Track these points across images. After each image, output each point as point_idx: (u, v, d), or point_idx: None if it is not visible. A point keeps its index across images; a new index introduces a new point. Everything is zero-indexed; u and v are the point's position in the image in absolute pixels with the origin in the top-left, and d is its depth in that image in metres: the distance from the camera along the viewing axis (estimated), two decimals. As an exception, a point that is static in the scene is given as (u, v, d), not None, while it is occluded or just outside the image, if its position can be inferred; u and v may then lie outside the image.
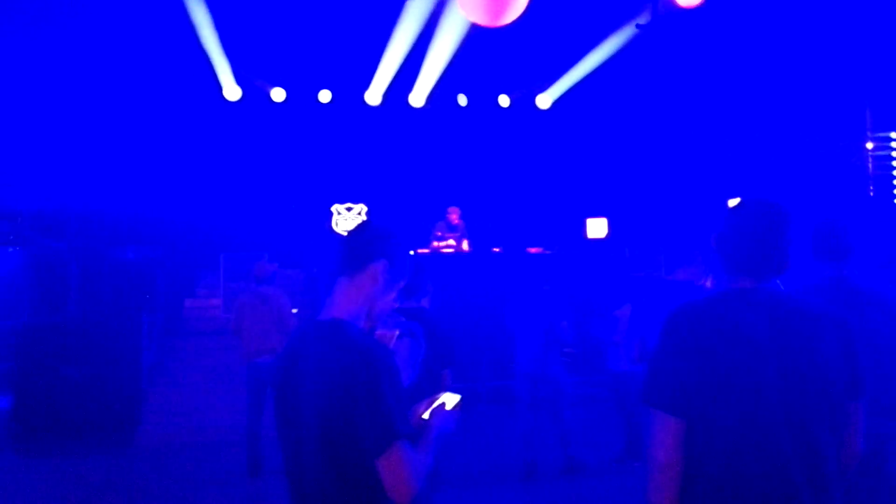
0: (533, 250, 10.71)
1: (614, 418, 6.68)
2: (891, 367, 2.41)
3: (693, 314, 1.80)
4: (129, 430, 7.73)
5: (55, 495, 5.99)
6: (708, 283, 3.60)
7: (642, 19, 9.33)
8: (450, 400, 2.01)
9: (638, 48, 10.30)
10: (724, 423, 1.69)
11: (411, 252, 9.61)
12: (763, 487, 1.66)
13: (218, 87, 11.28)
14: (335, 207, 11.90)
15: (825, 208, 8.12)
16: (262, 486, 5.98)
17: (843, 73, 9.72)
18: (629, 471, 6.10)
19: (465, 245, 10.39)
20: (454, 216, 10.43)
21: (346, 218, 11.89)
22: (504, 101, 12.35)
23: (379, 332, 2.03)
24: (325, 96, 11.75)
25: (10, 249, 10.13)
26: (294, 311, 6.76)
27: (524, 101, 12.39)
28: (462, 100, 12.17)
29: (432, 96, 11.94)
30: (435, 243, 10.31)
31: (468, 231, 10.57)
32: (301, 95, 11.77)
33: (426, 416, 1.95)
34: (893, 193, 10.11)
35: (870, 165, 10.13)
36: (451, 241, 10.29)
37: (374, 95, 11.70)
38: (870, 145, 10.19)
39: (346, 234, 2.00)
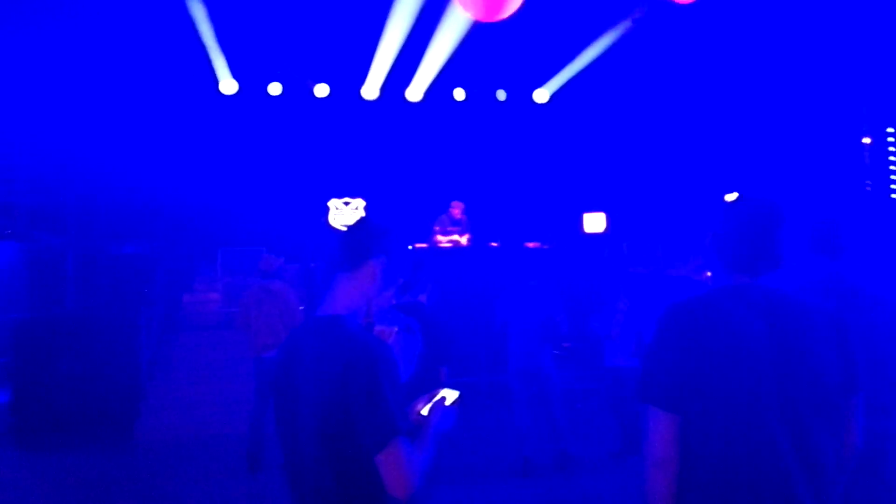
0: (530, 245, 10.72)
1: (611, 413, 6.71)
2: (888, 364, 2.42)
3: (689, 310, 1.80)
4: (127, 425, 7.73)
5: (53, 490, 6.00)
6: (704, 279, 3.62)
7: (637, 14, 9.31)
8: (448, 396, 2.02)
9: (635, 43, 10.28)
10: (720, 419, 1.69)
11: (409, 248, 9.62)
12: (759, 483, 1.66)
13: (214, 81, 11.25)
14: (332, 202, 11.90)
15: (822, 204, 8.14)
16: (261, 481, 5.99)
17: (840, 68, 9.72)
18: (626, 465, 6.13)
19: (463, 240, 10.40)
20: (457, 211, 10.43)
21: (344, 213, 11.89)
22: (501, 95, 12.33)
23: (377, 328, 2.04)
24: (322, 90, 11.72)
25: (8, 244, 10.12)
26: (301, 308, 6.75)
27: (521, 95, 12.37)
28: (459, 94, 12.15)
29: (429, 91, 11.91)
30: (438, 237, 10.31)
31: (471, 226, 10.57)
32: (298, 90, 11.74)
33: (424, 412, 1.96)
34: (890, 188, 10.13)
35: (867, 160, 10.14)
36: (456, 237, 10.30)
37: (370, 90, 11.67)
38: (867, 140, 10.20)
39: (344, 229, 2.01)
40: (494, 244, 10.75)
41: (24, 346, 8.25)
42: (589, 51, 10.87)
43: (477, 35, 9.92)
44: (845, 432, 1.79)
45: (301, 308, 6.57)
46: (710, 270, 1.99)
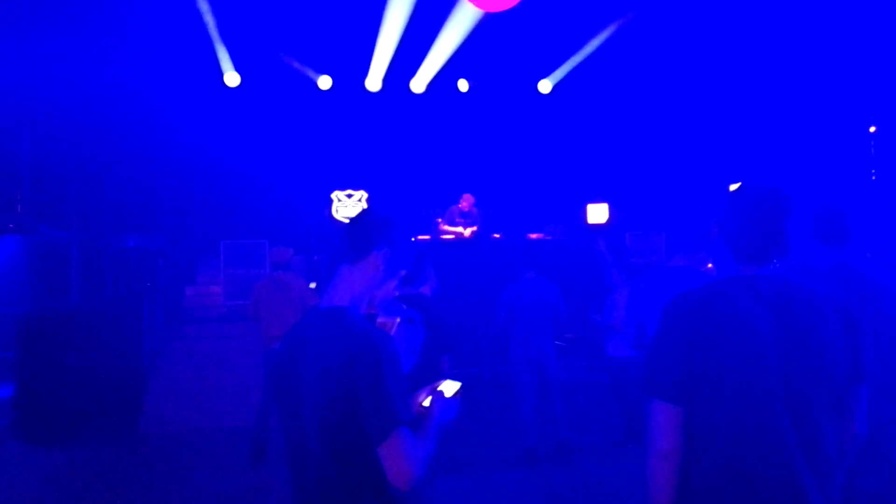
0: (533, 236, 10.70)
1: (614, 403, 6.71)
2: (894, 351, 2.40)
3: (693, 301, 1.78)
4: (130, 418, 7.75)
5: (58, 483, 6.03)
6: (707, 269, 3.59)
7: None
8: (450, 387, 2.01)
9: (641, 32, 10.23)
10: (726, 410, 1.68)
11: (412, 239, 9.59)
12: (764, 473, 1.65)
13: (219, 73, 11.22)
14: (335, 194, 11.89)
15: (828, 192, 8.08)
16: (264, 472, 6.01)
17: (846, 56, 9.66)
18: (628, 455, 6.13)
19: (467, 232, 10.38)
20: (465, 203, 10.41)
21: (347, 205, 11.87)
22: (505, 86, 12.28)
23: (380, 319, 2.03)
24: (325, 82, 11.69)
25: (11, 237, 10.13)
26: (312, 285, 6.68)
27: (525, 86, 12.32)
28: (463, 85, 12.10)
29: (433, 82, 11.88)
30: (445, 226, 10.29)
31: (481, 219, 10.55)
32: (301, 82, 11.71)
33: (426, 403, 1.95)
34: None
35: (872, 149, 10.08)
36: (460, 228, 10.28)
37: (374, 81, 11.64)
38: (872, 129, 10.14)
39: (348, 221, 2.00)
40: (497, 235, 10.74)
41: (28, 339, 8.27)
42: (593, 41, 10.82)
43: (481, 25, 9.89)
44: (849, 421, 1.78)
45: (314, 299, 6.56)
46: (714, 260, 1.96)
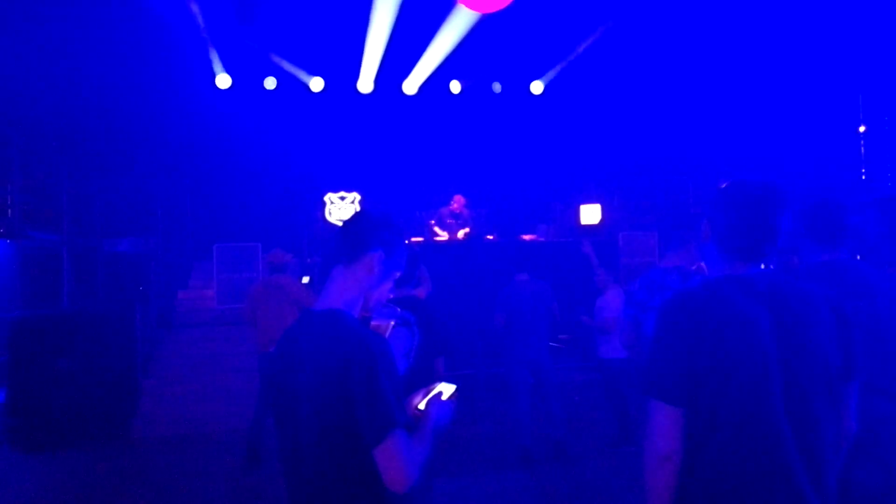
0: (526, 237, 10.72)
1: (607, 404, 6.72)
2: (889, 349, 2.42)
3: (691, 301, 1.78)
4: (123, 422, 7.72)
5: (50, 488, 5.99)
6: (697, 269, 3.60)
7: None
8: (446, 390, 2.01)
9: (631, 33, 10.26)
10: (725, 410, 1.68)
11: (406, 241, 9.58)
12: (763, 474, 1.66)
13: (210, 75, 11.19)
14: (328, 196, 11.87)
15: (818, 192, 8.15)
16: (258, 477, 5.99)
17: (836, 56, 9.72)
18: (623, 456, 6.14)
19: (459, 234, 10.38)
20: (457, 205, 10.40)
21: (340, 207, 11.86)
22: (497, 87, 12.30)
23: (375, 321, 2.03)
24: (316, 84, 11.67)
25: (2, 242, 10.06)
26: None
27: (517, 87, 12.35)
28: (455, 87, 12.11)
29: (425, 84, 11.88)
30: (436, 229, 10.29)
31: (472, 220, 10.55)
32: (293, 84, 11.69)
33: (422, 405, 1.95)
34: (886, 176, 10.14)
35: (862, 148, 10.15)
36: (445, 234, 10.26)
37: (365, 83, 11.64)
38: (862, 128, 10.20)
39: (341, 223, 1.99)
40: (490, 237, 10.75)
41: (20, 344, 8.21)
42: (585, 41, 10.84)
43: (473, 27, 9.89)
44: (842, 418, 1.79)
45: (311, 301, 6.54)
46: (707, 259, 1.96)
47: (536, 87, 12.33)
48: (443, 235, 10.30)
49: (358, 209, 11.45)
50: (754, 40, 10.02)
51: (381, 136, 12.20)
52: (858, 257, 2.64)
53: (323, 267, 9.35)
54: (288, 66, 11.41)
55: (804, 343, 1.71)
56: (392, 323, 2.08)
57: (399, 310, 3.13)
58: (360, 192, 11.93)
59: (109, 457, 6.93)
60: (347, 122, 12.07)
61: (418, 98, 12.06)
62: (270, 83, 11.53)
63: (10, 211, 10.22)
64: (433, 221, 10.44)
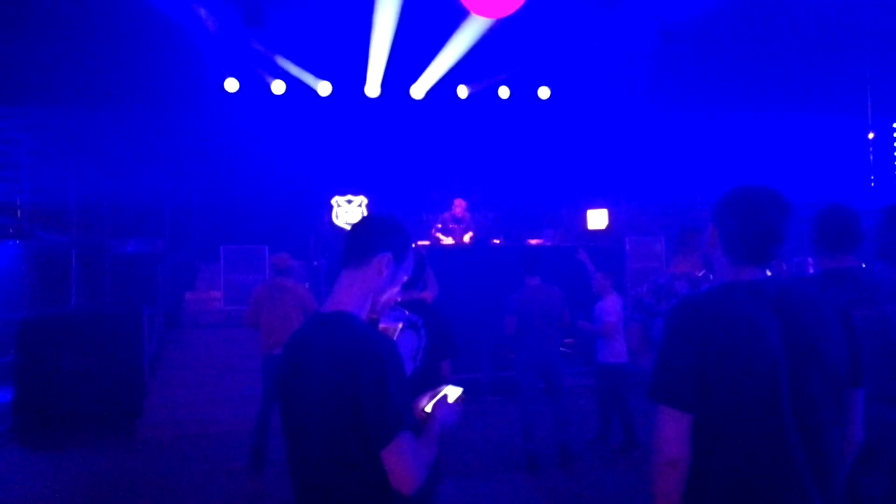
0: (533, 242, 10.72)
1: (601, 409, 6.70)
2: None
3: (699, 306, 1.78)
4: (130, 423, 7.75)
5: (57, 487, 6.01)
6: (704, 275, 3.60)
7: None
8: (452, 393, 2.01)
9: (638, 37, 10.26)
10: (733, 416, 1.67)
11: (413, 245, 9.59)
12: (770, 479, 1.65)
13: (219, 78, 11.25)
14: (335, 199, 11.90)
15: (827, 199, 8.12)
16: (264, 478, 5.99)
17: (845, 63, 9.70)
18: (629, 461, 6.13)
19: (466, 238, 10.39)
20: (458, 209, 10.42)
21: (347, 210, 11.89)
22: (504, 92, 12.32)
23: (383, 324, 2.03)
24: (324, 88, 11.72)
25: (11, 242, 10.13)
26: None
27: (525, 91, 12.36)
28: (462, 91, 12.13)
29: (432, 88, 11.91)
30: (439, 234, 10.31)
31: (474, 224, 10.56)
32: (301, 88, 11.74)
33: (429, 408, 1.95)
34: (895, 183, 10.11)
35: (871, 155, 10.12)
36: (450, 239, 10.27)
37: (372, 87, 11.67)
38: (871, 135, 10.17)
39: (350, 226, 2.00)
40: (497, 241, 10.75)
41: (28, 344, 8.27)
42: (592, 46, 10.84)
43: (481, 32, 9.92)
44: (849, 425, 1.78)
45: (315, 304, 6.55)
46: (713, 265, 1.96)
47: (544, 92, 12.34)
48: (447, 240, 10.30)
49: (365, 212, 11.49)
50: (763, 45, 10.01)
51: (388, 141, 12.23)
52: (864, 265, 2.64)
53: (330, 270, 9.37)
54: (296, 71, 11.45)
55: (812, 349, 1.70)
56: (400, 325, 2.09)
57: (407, 312, 3.13)
58: (367, 196, 11.96)
59: (116, 456, 6.96)
60: (355, 126, 12.11)
61: (425, 102, 12.08)
62: (278, 87, 11.57)
63: (18, 212, 10.30)
64: (439, 225, 10.44)
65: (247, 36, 10.48)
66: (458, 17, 9.71)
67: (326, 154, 12.07)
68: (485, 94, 12.29)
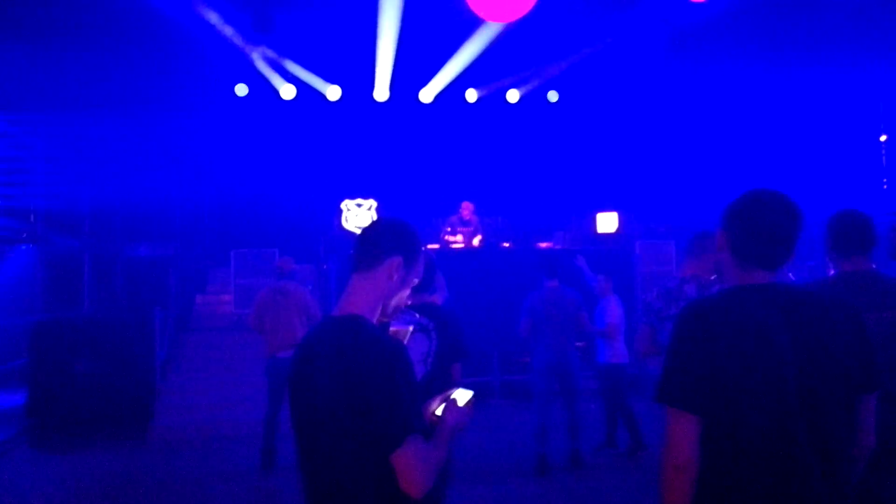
0: (542, 245, 10.70)
1: (604, 409, 6.68)
2: None
3: (708, 310, 1.78)
4: (141, 425, 7.79)
5: (69, 489, 6.06)
6: (715, 279, 3.59)
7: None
8: (462, 396, 2.01)
9: (648, 40, 10.24)
10: (742, 419, 1.67)
11: (423, 248, 9.59)
12: (779, 484, 1.65)
13: (228, 83, 11.32)
14: (345, 203, 11.93)
15: (840, 202, 8.07)
16: (275, 481, 6.02)
17: (856, 65, 9.64)
18: (638, 465, 6.11)
19: (475, 241, 10.40)
20: (466, 211, 10.44)
21: (357, 214, 11.91)
22: (513, 95, 12.32)
23: (393, 327, 2.04)
24: (334, 93, 11.76)
25: (25, 247, 10.23)
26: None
27: (533, 95, 12.35)
28: (471, 95, 12.15)
29: (441, 92, 11.93)
30: (446, 237, 10.33)
31: (482, 226, 10.57)
32: (310, 92, 11.79)
33: (439, 412, 1.95)
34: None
35: (883, 158, 10.04)
36: (459, 238, 10.29)
37: (381, 91, 11.71)
38: (883, 137, 10.10)
39: (360, 230, 2.01)
40: (506, 244, 10.74)
41: (41, 347, 8.34)
42: (601, 50, 10.82)
43: (490, 36, 9.93)
44: (860, 430, 1.77)
45: (318, 307, 6.58)
46: (723, 269, 1.96)
47: (553, 96, 12.34)
48: (456, 243, 10.31)
49: (374, 216, 11.51)
50: (776, 49, 9.96)
51: (397, 144, 12.25)
52: (874, 266, 2.62)
53: (340, 273, 9.40)
54: (305, 75, 11.50)
55: (822, 353, 1.69)
56: (410, 329, 2.09)
57: (417, 316, 3.13)
58: (376, 200, 11.99)
59: (127, 458, 7.00)
60: (364, 130, 12.14)
61: (434, 106, 12.10)
62: (288, 92, 11.62)
63: (32, 216, 10.40)
64: (448, 228, 10.46)
65: (256, 41, 10.53)
66: (466, 21, 9.72)
67: (336, 158, 12.11)
68: (493, 98, 12.30)
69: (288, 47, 10.86)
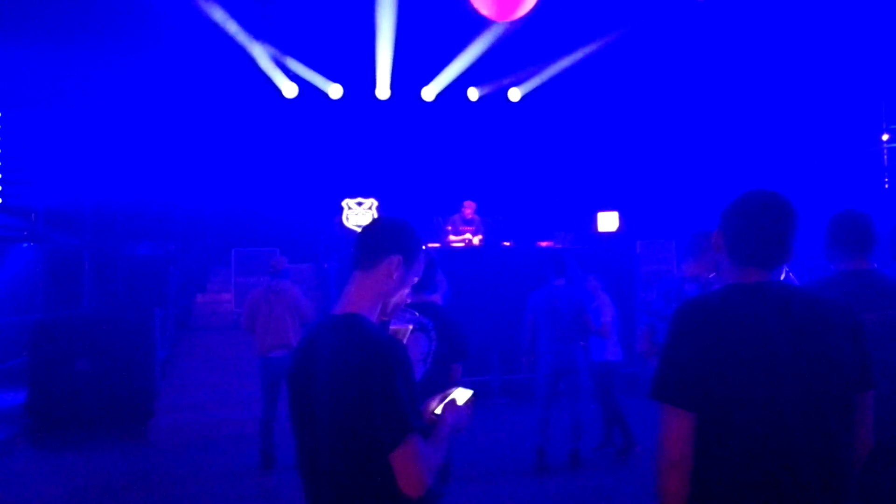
0: (543, 244, 10.70)
1: (598, 407, 6.68)
2: None
3: (702, 308, 1.79)
4: (141, 424, 7.79)
5: (69, 488, 6.06)
6: (715, 278, 3.59)
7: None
8: (462, 395, 2.01)
9: (649, 38, 10.24)
10: (737, 417, 1.67)
11: (423, 247, 9.60)
12: (774, 482, 1.65)
13: (229, 82, 11.32)
14: (346, 202, 11.93)
15: (841, 201, 8.07)
16: (274, 479, 6.02)
17: (858, 64, 9.63)
18: (635, 463, 6.10)
19: (475, 240, 10.40)
20: (469, 210, 10.44)
21: (357, 212, 11.91)
22: (514, 94, 12.32)
23: (393, 326, 2.04)
24: (335, 91, 11.76)
25: (25, 245, 10.24)
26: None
27: (534, 94, 12.35)
28: (472, 94, 12.14)
29: (443, 91, 11.93)
30: (450, 237, 10.33)
31: (483, 226, 10.57)
32: (312, 90, 11.79)
33: (438, 411, 1.95)
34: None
35: (885, 157, 10.03)
36: (468, 236, 10.30)
37: (382, 90, 11.71)
38: (885, 137, 10.09)
39: (360, 228, 2.01)
40: (507, 244, 10.74)
41: (41, 346, 8.34)
42: (602, 47, 10.82)
43: (491, 35, 9.93)
44: (858, 429, 1.77)
45: (310, 306, 6.57)
46: (721, 268, 1.96)
47: (554, 95, 12.33)
48: (459, 242, 10.32)
49: (375, 215, 11.51)
50: (776, 48, 9.96)
51: (398, 143, 12.25)
52: (875, 265, 2.62)
53: (341, 272, 9.40)
54: (307, 73, 11.50)
55: (816, 351, 1.70)
56: (410, 327, 2.08)
57: (417, 315, 3.13)
58: (377, 198, 11.98)
59: (127, 457, 7.00)
60: (365, 128, 12.14)
61: (436, 105, 12.10)
62: (290, 90, 11.62)
63: (33, 215, 10.40)
64: (449, 227, 10.46)
65: (259, 39, 10.53)
66: (468, 20, 9.72)
67: (337, 156, 12.11)
68: (495, 97, 12.29)
69: (290, 45, 10.86)
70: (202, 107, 11.40)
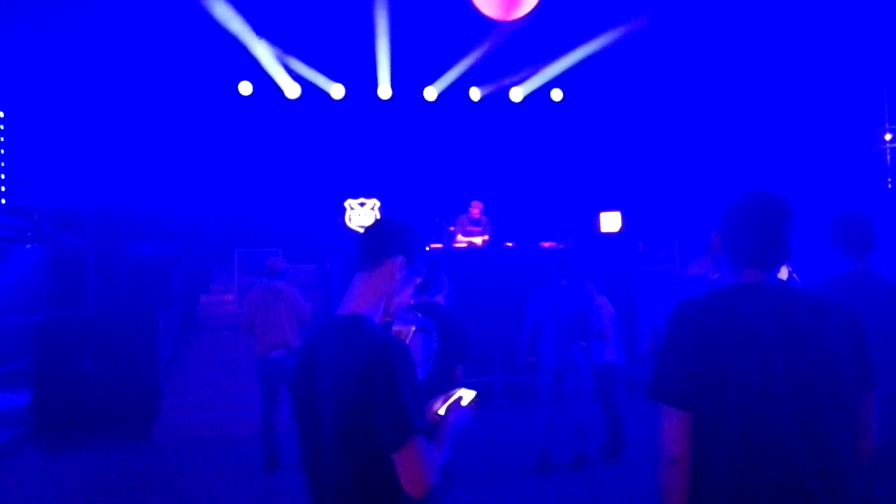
0: (546, 244, 10.70)
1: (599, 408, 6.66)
2: None
3: (698, 307, 1.80)
4: (145, 424, 7.81)
5: (73, 488, 6.07)
6: (718, 278, 3.59)
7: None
8: (465, 396, 2.01)
9: (651, 40, 10.23)
10: (733, 416, 1.68)
11: (426, 248, 9.60)
12: (772, 480, 1.65)
13: (232, 82, 11.33)
14: (348, 202, 11.95)
15: (844, 201, 8.06)
16: (278, 480, 6.03)
17: (861, 65, 9.61)
18: (639, 462, 6.09)
19: (479, 240, 10.39)
20: (476, 210, 10.43)
21: (360, 213, 11.92)
22: (516, 94, 12.31)
23: (396, 326, 2.04)
24: (337, 91, 11.77)
25: (29, 246, 10.26)
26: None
27: (537, 94, 12.35)
28: (475, 94, 12.14)
29: (445, 91, 11.93)
30: (459, 236, 10.32)
31: (491, 226, 10.57)
32: (314, 90, 11.80)
33: (441, 411, 1.95)
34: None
35: (888, 157, 10.01)
36: (477, 239, 10.30)
37: (384, 90, 11.71)
38: (888, 137, 10.07)
39: (363, 229, 2.01)
40: (510, 244, 10.74)
41: (45, 346, 8.36)
42: (604, 48, 10.81)
43: (493, 35, 9.92)
44: (861, 429, 1.76)
45: (308, 306, 6.57)
46: (719, 267, 1.97)
47: (556, 95, 12.32)
48: (463, 242, 10.32)
49: (378, 215, 11.52)
50: (779, 49, 9.94)
51: (401, 143, 12.26)
52: (875, 266, 2.63)
53: (343, 273, 9.40)
54: (309, 74, 11.51)
55: (814, 351, 1.70)
56: (413, 328, 2.09)
57: (419, 315, 3.13)
58: (379, 199, 11.99)
59: (131, 457, 7.02)
60: (368, 128, 12.15)
61: (438, 105, 12.10)
62: (292, 90, 11.63)
63: (36, 215, 10.42)
64: (453, 228, 10.46)
65: (260, 38, 10.54)
66: (470, 20, 9.72)
67: (339, 157, 12.12)
68: (497, 97, 12.29)
69: (292, 45, 10.87)
70: (205, 107, 11.43)
